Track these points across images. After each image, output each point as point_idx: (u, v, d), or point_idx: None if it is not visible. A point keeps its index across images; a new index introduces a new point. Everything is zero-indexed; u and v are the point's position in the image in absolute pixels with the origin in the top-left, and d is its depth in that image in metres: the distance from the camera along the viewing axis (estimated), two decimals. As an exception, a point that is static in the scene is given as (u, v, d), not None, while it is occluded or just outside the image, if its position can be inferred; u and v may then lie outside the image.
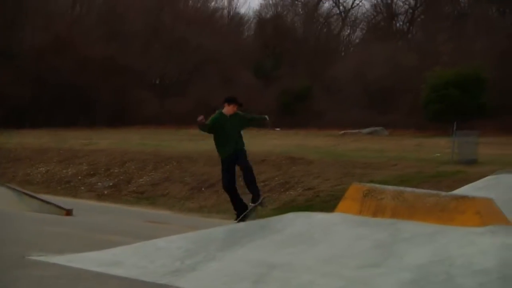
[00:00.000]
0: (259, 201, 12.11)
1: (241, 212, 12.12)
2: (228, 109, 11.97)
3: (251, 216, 11.94)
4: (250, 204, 12.11)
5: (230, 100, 12.06)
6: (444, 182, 23.42)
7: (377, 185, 10.43)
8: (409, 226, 9.01)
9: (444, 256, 8.12)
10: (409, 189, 10.16)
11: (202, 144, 35.37)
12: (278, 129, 45.62)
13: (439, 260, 8.05)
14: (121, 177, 28.91)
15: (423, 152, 32.26)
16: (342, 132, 43.24)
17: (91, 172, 29.73)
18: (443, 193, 9.72)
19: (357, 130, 45.68)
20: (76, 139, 36.82)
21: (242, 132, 12.31)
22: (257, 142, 35.96)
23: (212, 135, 12.26)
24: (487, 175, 14.67)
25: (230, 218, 22.09)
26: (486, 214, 8.97)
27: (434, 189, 14.28)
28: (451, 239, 8.47)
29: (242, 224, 10.99)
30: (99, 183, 28.53)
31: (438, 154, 30.92)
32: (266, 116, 12.82)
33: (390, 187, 10.09)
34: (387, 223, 9.21)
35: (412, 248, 8.43)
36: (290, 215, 10.38)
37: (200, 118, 11.62)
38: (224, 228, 10.59)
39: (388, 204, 9.47)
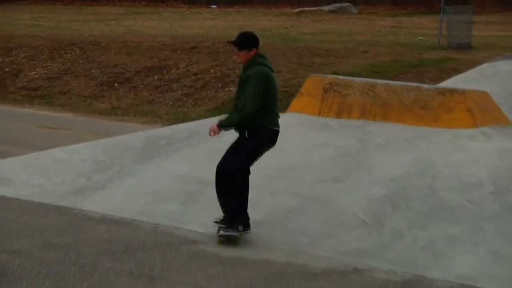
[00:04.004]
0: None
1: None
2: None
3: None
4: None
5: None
6: (428, 72, 23.62)
7: (342, 77, 10.51)
8: (382, 129, 9.13)
9: (425, 166, 8.27)
10: (382, 81, 10.26)
11: (115, 25, 34.98)
12: (214, 6, 45.19)
13: (419, 171, 8.21)
14: (6, 69, 28.40)
15: (401, 35, 32.42)
16: (298, 10, 43.01)
17: (-35, 63, 29.19)
18: (426, 86, 9.83)
19: (317, 7, 45.46)
20: None
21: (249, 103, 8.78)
22: (188, 24, 35.69)
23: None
24: (483, 63, 14.89)
25: (151, 123, 22.11)
26: (480, 111, 9.11)
27: (415, 81, 14.43)
28: (434, 145, 8.62)
29: (165, 129, 10.99)
30: (-24, 78, 28.08)
31: (421, 37, 31.14)
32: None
33: (359, 80, 10.17)
34: (354, 125, 9.32)
35: (386, 157, 8.57)
36: (228, 117, 10.38)
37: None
38: (144, 134, 10.60)
39: (355, 102, 9.56)
